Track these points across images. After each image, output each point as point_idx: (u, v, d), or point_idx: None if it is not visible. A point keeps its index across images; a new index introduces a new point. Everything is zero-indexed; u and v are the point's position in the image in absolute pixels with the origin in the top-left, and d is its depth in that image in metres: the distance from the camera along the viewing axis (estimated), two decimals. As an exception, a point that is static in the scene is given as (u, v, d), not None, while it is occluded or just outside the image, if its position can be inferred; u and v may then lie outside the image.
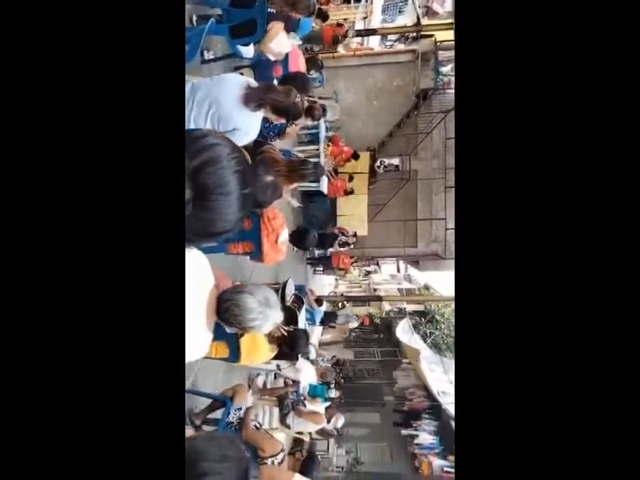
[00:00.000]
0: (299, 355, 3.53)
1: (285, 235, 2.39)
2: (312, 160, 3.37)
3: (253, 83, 1.73)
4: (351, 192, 7.58)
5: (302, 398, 4.48)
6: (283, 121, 1.95)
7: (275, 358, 2.98)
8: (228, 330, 1.36)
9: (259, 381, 4.39)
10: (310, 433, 4.58)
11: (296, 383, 4.55)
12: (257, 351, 1.88)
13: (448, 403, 6.69)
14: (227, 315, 1.27)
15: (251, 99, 1.67)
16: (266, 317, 1.30)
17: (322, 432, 5.30)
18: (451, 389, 6.97)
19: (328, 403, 4.81)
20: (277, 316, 1.36)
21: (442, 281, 10.69)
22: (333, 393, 4.87)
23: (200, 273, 1.17)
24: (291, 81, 2.18)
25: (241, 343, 1.76)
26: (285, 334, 2.11)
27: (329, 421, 4.47)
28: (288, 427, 4.24)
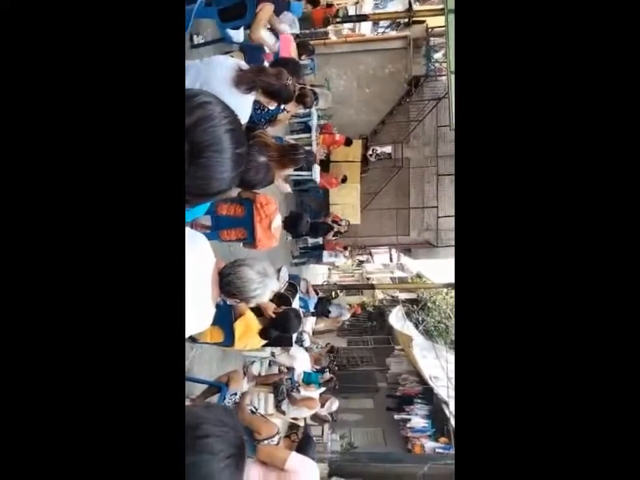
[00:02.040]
0: (293, 341, 3.57)
1: (278, 221, 2.39)
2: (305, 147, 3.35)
3: (244, 65, 1.71)
4: (344, 180, 7.58)
5: (296, 385, 4.54)
6: (275, 104, 1.93)
7: (269, 344, 3.00)
8: (229, 302, 1.40)
9: (254, 369, 4.42)
10: (305, 418, 4.64)
11: (290, 370, 4.60)
12: (250, 335, 1.90)
13: (440, 386, 6.82)
14: (230, 287, 1.32)
15: (242, 81, 1.65)
16: (265, 286, 1.36)
17: (316, 417, 5.39)
18: (442, 373, 7.10)
19: (322, 389, 4.87)
20: (275, 284, 1.44)
21: (434, 269, 10.80)
22: (327, 376, 4.94)
23: (203, 252, 1.21)
24: (282, 65, 2.15)
25: (235, 326, 1.79)
26: (274, 316, 2.12)
27: (323, 406, 4.54)
28: (283, 412, 4.29)
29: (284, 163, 2.20)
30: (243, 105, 1.73)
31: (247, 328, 1.82)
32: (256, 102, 2.50)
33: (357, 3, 9.08)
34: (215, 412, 0.66)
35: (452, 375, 6.48)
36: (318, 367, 4.77)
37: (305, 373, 4.81)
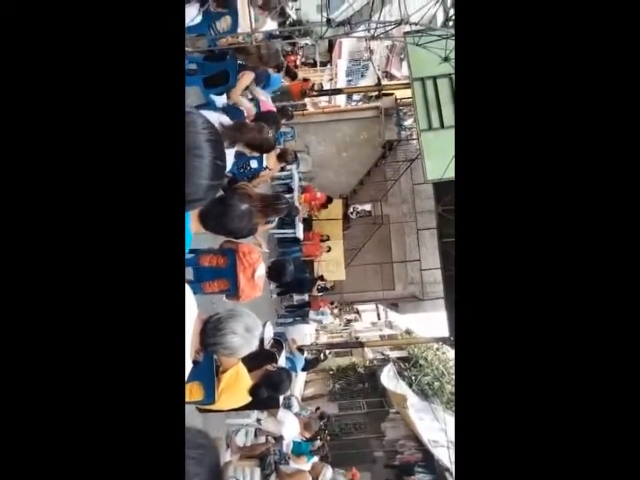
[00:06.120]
0: (279, 402, 3.34)
1: (261, 270, 2.37)
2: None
3: (226, 120, 1.83)
4: (327, 239, 7.72)
5: (285, 456, 4.15)
6: (257, 154, 2.04)
7: (255, 406, 2.80)
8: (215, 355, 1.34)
9: (239, 439, 4.06)
10: (296, 496, 4.17)
11: (278, 440, 4.23)
12: (238, 388, 1.78)
13: (440, 446, 6.35)
14: (215, 346, 1.27)
15: (225, 137, 1.75)
16: (249, 343, 1.32)
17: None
18: (441, 437, 6.65)
19: (315, 459, 4.46)
20: (257, 340, 1.36)
21: (422, 324, 10.63)
22: (318, 443, 4.54)
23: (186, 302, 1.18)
24: (262, 119, 2.31)
25: (222, 377, 1.68)
26: (267, 373, 2.03)
27: (316, 479, 4.12)
28: (271, 489, 3.88)
29: (267, 212, 2.25)
30: (227, 158, 1.82)
31: (238, 379, 1.72)
32: (238, 160, 2.61)
33: (331, 79, 10.02)
34: (190, 433, 0.60)
35: (452, 437, 6.07)
36: (308, 435, 4.41)
37: (294, 442, 4.43)
